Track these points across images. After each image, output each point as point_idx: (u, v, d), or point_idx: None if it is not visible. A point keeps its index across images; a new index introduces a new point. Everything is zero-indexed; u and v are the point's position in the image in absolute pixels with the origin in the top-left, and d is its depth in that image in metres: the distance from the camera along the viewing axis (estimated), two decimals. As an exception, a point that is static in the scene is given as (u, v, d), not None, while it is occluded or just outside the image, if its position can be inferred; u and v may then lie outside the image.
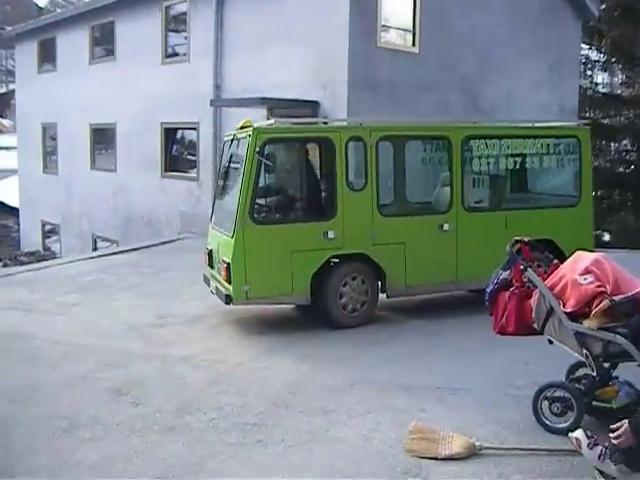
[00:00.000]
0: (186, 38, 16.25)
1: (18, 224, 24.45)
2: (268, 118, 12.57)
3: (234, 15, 14.74)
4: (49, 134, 21.81)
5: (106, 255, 14.10)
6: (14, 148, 42.20)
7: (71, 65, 20.28)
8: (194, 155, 16.33)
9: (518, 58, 15.45)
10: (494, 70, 15.01)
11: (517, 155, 8.51)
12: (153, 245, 14.89)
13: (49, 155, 21.99)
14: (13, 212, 25.14)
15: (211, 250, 8.18)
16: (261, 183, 7.45)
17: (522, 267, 4.86)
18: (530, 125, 9.17)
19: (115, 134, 18.37)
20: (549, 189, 9.54)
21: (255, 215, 7.41)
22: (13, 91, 73.43)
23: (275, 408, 5.27)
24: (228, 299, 7.40)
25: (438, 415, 5.01)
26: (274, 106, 13.16)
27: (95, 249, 18.36)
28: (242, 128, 7.57)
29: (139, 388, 5.81)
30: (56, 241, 21.92)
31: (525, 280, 4.97)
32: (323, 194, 8.03)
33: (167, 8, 16.66)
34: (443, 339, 7.26)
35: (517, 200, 9.29)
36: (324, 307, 7.66)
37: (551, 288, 4.60)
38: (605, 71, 23.49)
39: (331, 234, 7.51)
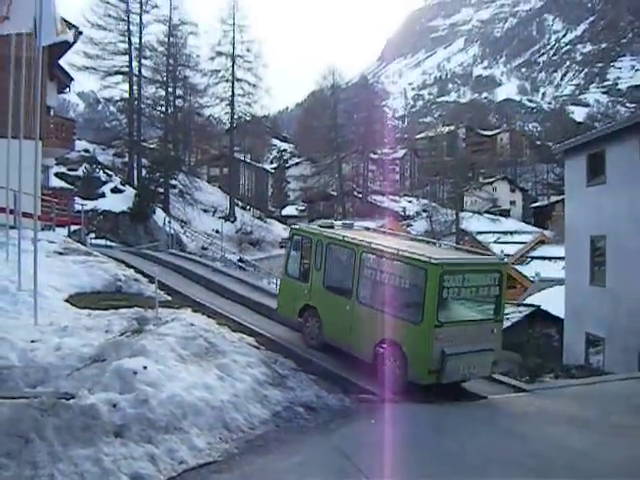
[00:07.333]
0: None
1: (559, 334, 24.81)
2: None
3: None
4: (597, 246, 21.82)
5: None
6: (556, 258, 43.68)
7: (621, 177, 20.21)
8: None
9: None
10: None
11: (383, 271, 11.36)
12: None
13: (597, 267, 21.94)
14: (556, 322, 25.69)
15: None
16: (293, 258, 13.79)
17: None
18: (394, 251, 11.26)
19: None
20: (402, 304, 11.07)
21: (287, 272, 13.84)
22: (554, 203, 76.93)
23: None
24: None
25: None
26: None
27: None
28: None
29: None
30: (598, 354, 21.46)
31: None
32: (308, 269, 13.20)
33: None
34: None
35: (384, 304, 11.19)
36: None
37: None
38: None
39: (306, 291, 12.92)
